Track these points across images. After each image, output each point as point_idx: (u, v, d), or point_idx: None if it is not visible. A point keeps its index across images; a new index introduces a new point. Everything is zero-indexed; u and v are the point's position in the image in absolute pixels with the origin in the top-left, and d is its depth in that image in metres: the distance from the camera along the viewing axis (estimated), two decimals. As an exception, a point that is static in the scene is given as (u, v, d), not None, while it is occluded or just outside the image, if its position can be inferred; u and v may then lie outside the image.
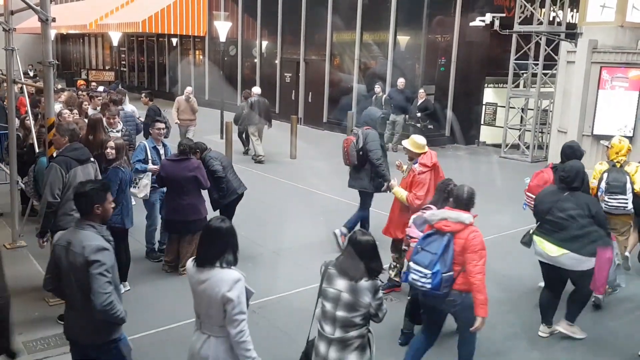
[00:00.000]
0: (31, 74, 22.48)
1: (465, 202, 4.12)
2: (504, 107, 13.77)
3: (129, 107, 10.42)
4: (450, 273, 3.94)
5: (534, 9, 12.56)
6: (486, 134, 15.24)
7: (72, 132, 5.41)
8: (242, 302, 3.16)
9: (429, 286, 3.93)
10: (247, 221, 7.23)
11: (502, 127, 13.78)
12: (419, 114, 12.94)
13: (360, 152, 6.81)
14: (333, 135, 16.03)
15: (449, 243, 3.96)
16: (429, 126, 13.12)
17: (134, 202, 6.49)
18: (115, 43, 23.96)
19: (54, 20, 5.51)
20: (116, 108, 8.95)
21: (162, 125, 6.95)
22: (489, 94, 15.41)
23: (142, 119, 10.11)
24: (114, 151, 5.87)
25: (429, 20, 14.40)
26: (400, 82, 13.37)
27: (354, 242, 3.46)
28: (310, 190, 9.89)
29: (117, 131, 7.83)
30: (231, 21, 19.57)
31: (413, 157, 5.73)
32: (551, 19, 12.91)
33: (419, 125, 12.91)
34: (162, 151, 6.90)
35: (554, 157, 11.74)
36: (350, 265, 3.38)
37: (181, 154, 6.26)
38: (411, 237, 4.57)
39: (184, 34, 22.26)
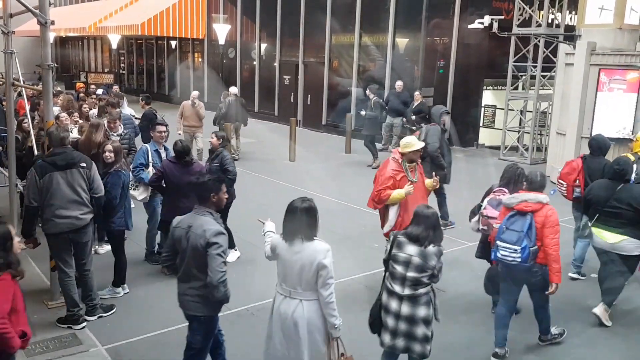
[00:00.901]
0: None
1: (539, 184, 4.74)
2: (503, 109, 13.79)
3: (127, 110, 10.42)
4: (535, 247, 4.58)
5: (532, 11, 12.58)
6: (485, 136, 15.25)
7: (49, 134, 5.32)
8: (332, 268, 3.67)
9: (519, 260, 4.54)
10: (246, 224, 7.21)
11: (501, 129, 13.80)
12: (413, 117, 12.95)
13: None
14: (332, 137, 16.04)
15: (532, 221, 4.58)
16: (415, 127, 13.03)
17: (132, 205, 6.49)
18: (114, 46, 24.00)
19: (52, 23, 5.51)
20: (117, 111, 8.95)
21: (164, 128, 6.96)
22: (488, 96, 15.43)
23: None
24: (112, 154, 5.85)
25: (428, 23, 14.43)
26: (398, 85, 13.35)
27: (421, 214, 4.02)
28: (308, 192, 9.87)
29: (118, 135, 7.82)
30: (230, 24, 19.59)
31: (413, 158, 5.72)
32: (550, 21, 12.93)
33: (414, 128, 12.90)
34: (164, 155, 6.88)
35: (553, 159, 11.76)
36: (420, 234, 3.95)
37: (180, 156, 6.22)
38: (489, 217, 5.16)
39: (183, 36, 22.27)
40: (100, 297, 5.66)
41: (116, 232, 5.88)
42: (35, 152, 6.58)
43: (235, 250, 6.85)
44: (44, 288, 5.94)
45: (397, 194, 5.55)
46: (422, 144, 5.82)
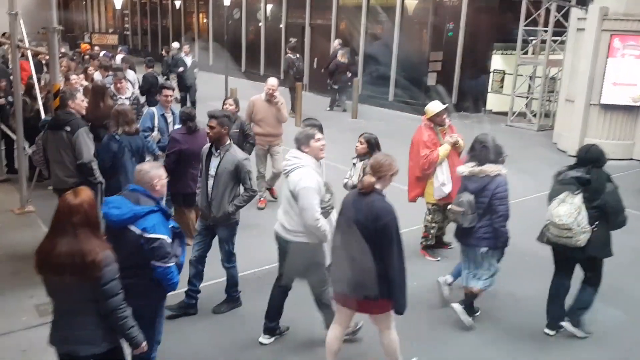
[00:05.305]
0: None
1: None
2: (512, 74, 13.62)
3: (130, 74, 10.33)
4: None
5: (545, -27, 12.29)
6: (493, 101, 15.08)
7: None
8: None
9: None
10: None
11: (509, 95, 13.66)
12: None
13: None
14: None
15: None
16: (334, 85, 14.01)
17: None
18: (118, 6, 23.65)
19: (57, -17, 5.46)
20: (122, 73, 8.85)
21: (170, 92, 6.76)
22: (497, 61, 15.20)
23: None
24: None
25: (438, -15, 14.13)
26: (335, 42, 14.63)
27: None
28: (315, 157, 9.85)
29: (126, 98, 7.68)
30: (236, -16, 19.24)
31: (440, 122, 6.12)
32: (562, -16, 12.64)
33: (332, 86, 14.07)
34: (170, 119, 6.73)
35: (561, 126, 11.67)
36: None
37: (188, 124, 5.97)
38: None
39: (188, -4, 21.94)
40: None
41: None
42: (43, 116, 6.58)
43: None
44: (54, 250, 6.04)
45: (443, 149, 5.95)
46: (440, 107, 5.97)
